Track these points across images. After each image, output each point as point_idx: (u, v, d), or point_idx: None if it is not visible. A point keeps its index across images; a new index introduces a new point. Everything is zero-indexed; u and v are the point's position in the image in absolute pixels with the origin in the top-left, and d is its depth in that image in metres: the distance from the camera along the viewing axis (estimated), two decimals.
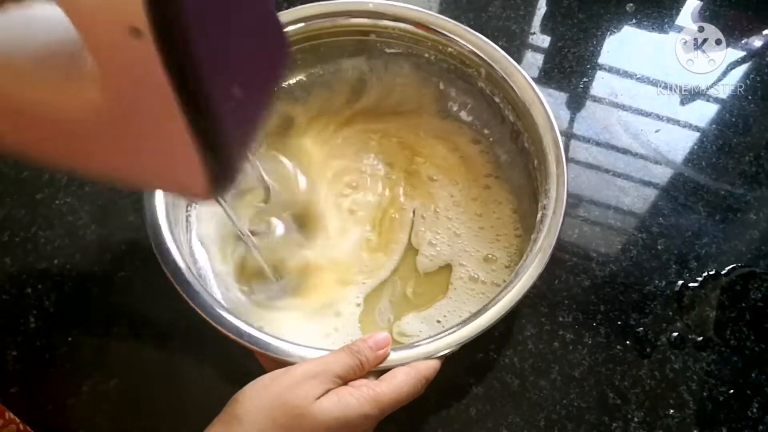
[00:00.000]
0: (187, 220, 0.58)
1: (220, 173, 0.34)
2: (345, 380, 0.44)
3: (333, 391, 0.43)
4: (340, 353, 0.45)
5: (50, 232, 0.64)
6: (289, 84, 0.66)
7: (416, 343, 0.47)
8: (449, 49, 0.62)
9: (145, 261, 0.62)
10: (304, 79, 0.67)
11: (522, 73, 0.59)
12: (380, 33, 0.63)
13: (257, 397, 0.42)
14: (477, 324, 0.48)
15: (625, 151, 0.71)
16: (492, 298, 0.49)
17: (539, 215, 0.54)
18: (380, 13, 0.62)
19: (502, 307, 0.48)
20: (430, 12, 0.62)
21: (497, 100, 0.62)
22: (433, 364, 0.47)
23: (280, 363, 0.46)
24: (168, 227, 0.52)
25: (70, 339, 0.59)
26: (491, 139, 0.65)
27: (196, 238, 0.59)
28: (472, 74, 0.63)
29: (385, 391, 0.43)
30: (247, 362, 0.57)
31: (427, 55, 0.64)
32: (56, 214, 0.65)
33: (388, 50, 0.65)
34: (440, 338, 0.47)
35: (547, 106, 0.57)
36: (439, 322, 0.58)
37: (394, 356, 0.46)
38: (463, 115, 0.67)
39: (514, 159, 0.62)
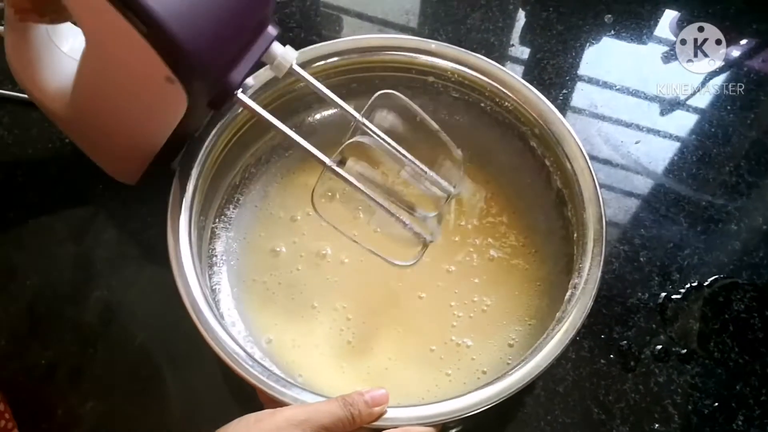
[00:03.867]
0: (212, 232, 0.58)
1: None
2: None
3: None
4: (332, 403, 0.43)
5: (23, 251, 0.62)
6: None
7: (414, 405, 0.46)
8: (506, 102, 0.61)
9: (120, 280, 0.61)
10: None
11: (575, 139, 0.57)
12: (439, 75, 0.62)
13: None
14: (477, 396, 0.45)
15: (605, 162, 0.71)
16: (505, 372, 0.47)
17: (569, 293, 0.52)
18: (440, 53, 0.61)
19: (511, 384, 0.46)
20: (489, 60, 0.60)
21: (547, 163, 0.60)
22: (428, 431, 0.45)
23: (277, 401, 0.45)
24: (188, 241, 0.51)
25: (43, 361, 0.57)
26: (534, 201, 0.63)
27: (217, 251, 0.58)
28: (525, 132, 0.61)
29: None
30: (231, 386, 0.57)
31: (483, 104, 0.63)
32: (29, 233, 0.63)
33: (452, 94, 0.63)
34: (440, 403, 0.45)
35: (595, 176, 0.55)
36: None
37: (389, 414, 0.44)
38: (512, 173, 0.64)
39: (552, 227, 0.60)
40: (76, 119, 0.58)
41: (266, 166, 0.64)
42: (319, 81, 0.53)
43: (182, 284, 0.49)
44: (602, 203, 0.54)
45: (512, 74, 0.60)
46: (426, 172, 0.54)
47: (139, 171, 0.59)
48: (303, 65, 0.55)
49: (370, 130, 0.52)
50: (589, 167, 0.56)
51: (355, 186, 0.50)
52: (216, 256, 0.58)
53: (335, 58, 0.60)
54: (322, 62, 0.59)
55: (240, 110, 0.57)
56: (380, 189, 0.53)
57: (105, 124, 0.56)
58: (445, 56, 0.61)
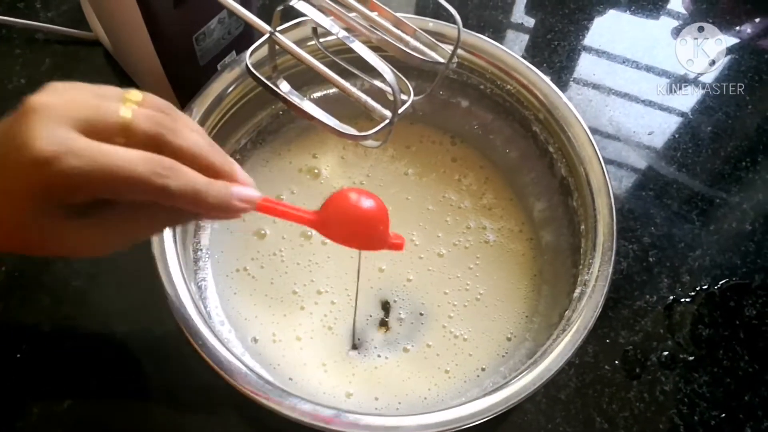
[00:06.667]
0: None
1: None
2: None
3: None
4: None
5: None
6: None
7: (423, 413, 0.42)
8: (507, 85, 0.57)
9: (100, 269, 0.58)
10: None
11: (583, 126, 0.53)
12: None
13: None
14: (486, 402, 0.43)
15: (617, 155, 0.68)
16: (508, 379, 0.45)
17: (578, 290, 0.48)
18: (442, 34, 0.55)
19: (521, 389, 0.43)
20: (491, 41, 0.56)
21: (551, 150, 0.57)
22: None
23: None
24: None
25: (18, 355, 0.54)
26: (534, 188, 0.60)
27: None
28: (528, 117, 0.57)
29: None
30: (218, 385, 0.54)
31: (482, 87, 0.59)
32: None
33: (450, 75, 0.59)
34: (448, 410, 0.42)
35: (604, 166, 0.52)
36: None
37: (395, 422, 0.42)
38: (511, 158, 0.61)
39: (553, 215, 0.57)
40: (117, 53, 0.66)
41: (252, 152, 0.60)
42: (317, 58, 0.46)
43: (168, 283, 0.45)
44: (612, 195, 0.51)
45: (515, 55, 0.56)
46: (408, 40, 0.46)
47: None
48: (299, 42, 0.49)
49: None
50: (597, 156, 0.53)
51: (298, 55, 0.42)
52: (201, 250, 0.55)
53: (332, 37, 0.56)
54: (313, 42, 0.55)
55: (224, 98, 0.53)
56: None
57: (122, 51, 0.64)
58: (443, 36, 0.56)
